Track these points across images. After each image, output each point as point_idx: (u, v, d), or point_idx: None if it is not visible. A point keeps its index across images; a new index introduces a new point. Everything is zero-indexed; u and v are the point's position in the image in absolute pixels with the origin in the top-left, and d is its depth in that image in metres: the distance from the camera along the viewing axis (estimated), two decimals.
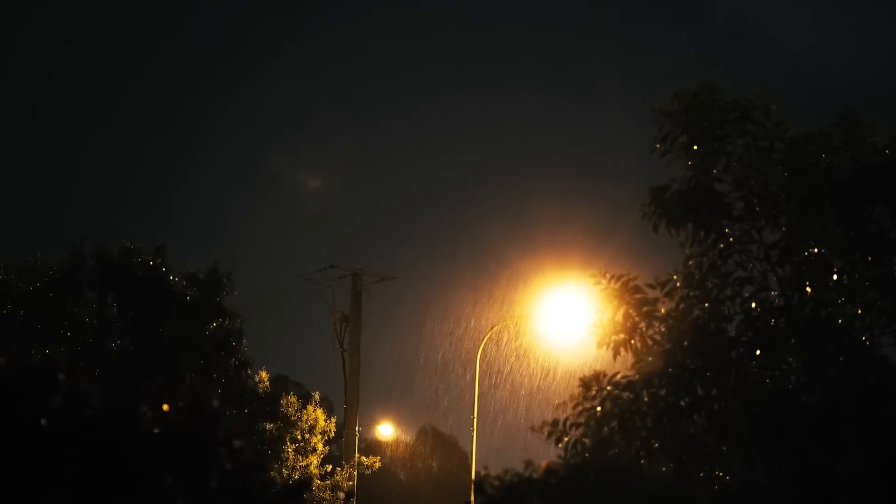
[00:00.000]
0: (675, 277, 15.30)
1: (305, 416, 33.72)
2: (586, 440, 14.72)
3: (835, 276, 15.19)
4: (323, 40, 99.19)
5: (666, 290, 15.24)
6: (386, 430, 55.42)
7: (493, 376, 42.86)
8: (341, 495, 34.00)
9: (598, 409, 14.72)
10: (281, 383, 41.73)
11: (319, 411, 34.26)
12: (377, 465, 36.31)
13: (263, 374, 32.33)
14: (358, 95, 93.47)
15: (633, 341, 15.06)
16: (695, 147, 15.50)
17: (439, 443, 69.53)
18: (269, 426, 32.28)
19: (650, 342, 15.02)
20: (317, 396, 34.83)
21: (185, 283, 30.39)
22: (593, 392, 14.83)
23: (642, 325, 15.09)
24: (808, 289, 15.14)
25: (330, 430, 34.54)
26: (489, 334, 39.52)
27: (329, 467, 34.43)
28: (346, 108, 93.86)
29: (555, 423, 14.90)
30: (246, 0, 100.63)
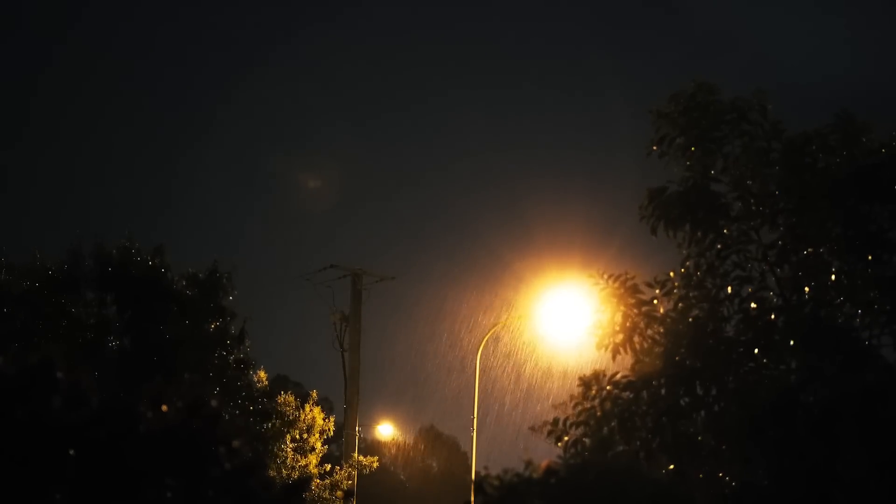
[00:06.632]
0: (672, 276, 15.31)
1: (303, 416, 33.69)
2: (586, 440, 14.72)
3: (833, 276, 15.19)
4: (324, 40, 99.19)
5: (665, 290, 15.26)
6: (386, 430, 55.48)
7: (493, 376, 42.90)
8: (339, 494, 33.99)
9: (598, 408, 14.73)
10: (281, 383, 41.73)
11: (317, 409, 34.18)
12: (375, 464, 36.36)
13: (262, 374, 32.32)
14: (359, 95, 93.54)
15: (632, 341, 15.06)
16: (692, 148, 15.52)
17: (439, 443, 69.60)
18: (267, 425, 32.24)
19: (649, 342, 15.03)
20: (314, 395, 34.75)
21: (184, 282, 30.43)
22: (593, 392, 14.83)
23: (641, 325, 15.10)
24: (807, 288, 15.13)
25: (329, 429, 34.49)
26: (489, 334, 39.53)
27: (328, 466, 34.42)
28: (347, 108, 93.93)
29: (555, 422, 14.91)
30: None
